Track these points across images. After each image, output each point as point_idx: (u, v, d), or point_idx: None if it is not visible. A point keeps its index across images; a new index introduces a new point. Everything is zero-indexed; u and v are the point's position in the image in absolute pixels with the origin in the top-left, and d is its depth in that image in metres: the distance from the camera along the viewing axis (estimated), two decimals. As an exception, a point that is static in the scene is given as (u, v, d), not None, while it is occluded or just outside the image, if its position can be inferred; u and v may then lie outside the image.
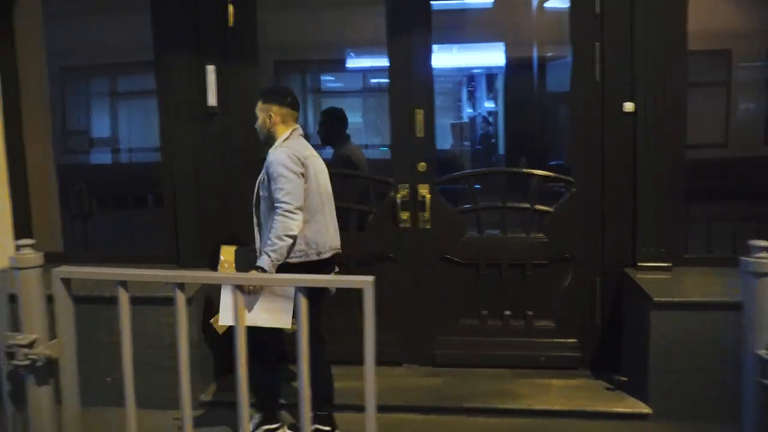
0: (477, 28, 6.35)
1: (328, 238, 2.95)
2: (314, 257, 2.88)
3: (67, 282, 2.02)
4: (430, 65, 3.69)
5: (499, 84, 7.46)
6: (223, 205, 3.82)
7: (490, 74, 7.65)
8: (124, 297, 1.95)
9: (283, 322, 2.81)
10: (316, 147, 3.21)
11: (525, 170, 3.73)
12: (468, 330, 3.82)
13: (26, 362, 2.00)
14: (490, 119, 7.63)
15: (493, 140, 7.38)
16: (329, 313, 3.18)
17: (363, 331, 1.78)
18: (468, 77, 8.02)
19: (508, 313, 3.79)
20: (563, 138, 4.66)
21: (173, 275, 2.18)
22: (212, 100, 3.72)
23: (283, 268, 2.80)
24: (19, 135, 3.94)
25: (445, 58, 6.77)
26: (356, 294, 1.82)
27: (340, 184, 3.81)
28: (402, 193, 3.71)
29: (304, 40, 5.73)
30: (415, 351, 3.86)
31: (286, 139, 2.95)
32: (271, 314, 2.81)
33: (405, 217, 3.72)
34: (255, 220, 3.02)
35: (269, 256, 2.74)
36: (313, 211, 2.88)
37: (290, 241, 2.75)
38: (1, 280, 2.30)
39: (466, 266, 3.77)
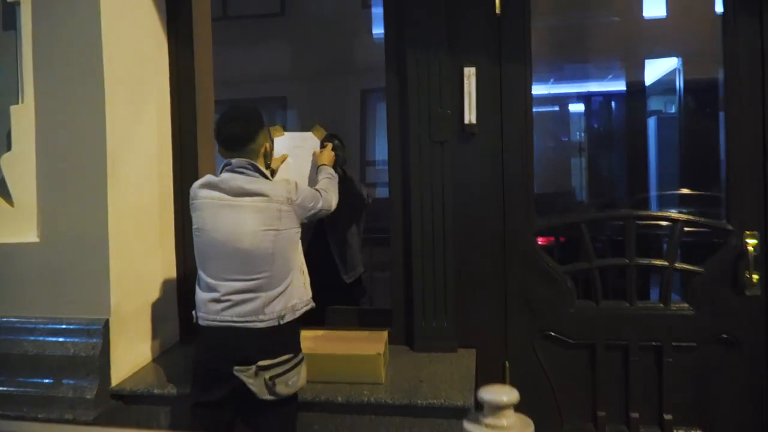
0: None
1: (203, 304, 2.16)
2: (195, 319, 2.20)
3: None
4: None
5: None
6: (486, 260, 2.72)
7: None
8: None
9: None
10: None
11: None
12: None
13: None
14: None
15: None
16: None
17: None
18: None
19: None
20: None
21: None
22: (470, 115, 2.65)
23: None
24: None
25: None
26: None
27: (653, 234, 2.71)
28: (751, 244, 2.54)
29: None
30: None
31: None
32: None
33: (756, 280, 2.54)
34: None
35: None
36: (198, 262, 2.22)
37: None
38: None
39: None
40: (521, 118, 2.68)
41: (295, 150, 2.65)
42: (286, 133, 2.65)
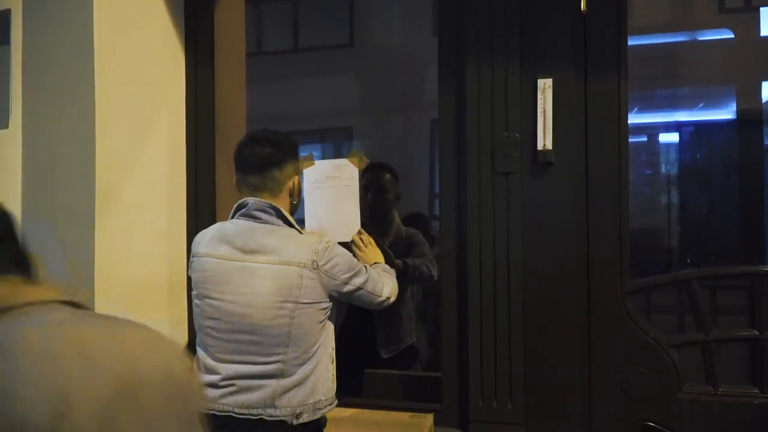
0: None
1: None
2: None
3: None
4: None
5: None
6: (565, 324, 2.11)
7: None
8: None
9: None
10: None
11: None
12: None
13: None
14: None
15: None
16: None
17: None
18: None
19: None
20: None
21: None
22: (545, 139, 2.08)
23: None
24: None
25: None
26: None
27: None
28: None
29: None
30: None
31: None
32: None
33: None
34: None
35: None
36: (197, 338, 1.79)
37: None
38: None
39: None
40: (613, 143, 2.07)
41: (328, 181, 2.16)
42: (316, 162, 2.17)
